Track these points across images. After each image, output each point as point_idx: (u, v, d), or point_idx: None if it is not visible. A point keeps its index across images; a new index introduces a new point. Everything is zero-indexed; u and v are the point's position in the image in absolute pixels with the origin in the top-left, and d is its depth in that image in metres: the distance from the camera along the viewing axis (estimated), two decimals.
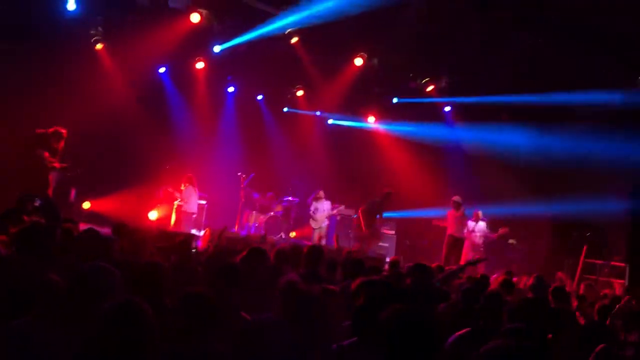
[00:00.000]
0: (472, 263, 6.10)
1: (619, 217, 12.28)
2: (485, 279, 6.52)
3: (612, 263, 11.83)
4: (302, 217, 13.51)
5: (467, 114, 14.00)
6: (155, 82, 13.05)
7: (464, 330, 3.67)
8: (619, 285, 10.52)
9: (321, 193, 12.86)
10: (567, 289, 7.74)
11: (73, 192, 10.99)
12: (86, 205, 11.38)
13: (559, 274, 11.11)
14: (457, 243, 11.64)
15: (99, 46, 11.78)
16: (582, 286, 8.51)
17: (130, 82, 12.05)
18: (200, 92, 13.58)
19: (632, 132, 11.26)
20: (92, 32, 11.62)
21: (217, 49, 12.14)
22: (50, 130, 8.81)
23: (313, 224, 12.72)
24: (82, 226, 8.52)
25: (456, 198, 11.73)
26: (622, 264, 11.56)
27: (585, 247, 11.86)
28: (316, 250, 5.40)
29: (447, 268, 7.24)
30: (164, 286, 3.71)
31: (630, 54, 10.35)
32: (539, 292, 6.19)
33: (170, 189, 11.73)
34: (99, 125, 10.82)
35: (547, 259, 12.62)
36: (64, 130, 8.86)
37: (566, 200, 12.57)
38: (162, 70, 13.06)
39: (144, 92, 12.42)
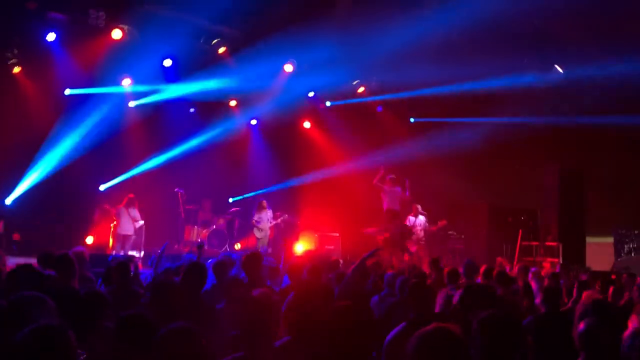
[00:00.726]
0: (370, 255, 6.13)
1: (550, 200, 12.94)
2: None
3: (547, 244, 12.40)
4: (245, 227, 13.39)
5: (399, 111, 14.39)
6: (78, 102, 12.57)
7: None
8: (548, 264, 11.02)
9: (264, 203, 12.82)
10: (508, 272, 8.05)
11: (1, 224, 10.47)
12: (16, 236, 10.83)
13: (499, 259, 11.55)
14: (396, 216, 11.76)
15: (16, 69, 11.28)
16: (515, 269, 8.85)
17: (51, 103, 11.56)
18: (129, 110, 13.18)
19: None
20: (7, 54, 11.12)
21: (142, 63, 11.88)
22: None
23: (257, 233, 12.65)
24: (13, 259, 8.25)
25: (392, 176, 11.91)
26: (555, 243, 12.13)
27: (520, 231, 12.41)
28: (255, 256, 5.38)
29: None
30: (105, 312, 3.68)
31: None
32: (469, 277, 6.39)
33: (105, 206, 11.34)
34: (22, 152, 10.35)
35: (486, 245, 13.07)
36: None
37: (499, 186, 13.17)
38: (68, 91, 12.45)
39: (66, 114, 11.93)
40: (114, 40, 10.93)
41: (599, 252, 12.60)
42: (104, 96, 12.44)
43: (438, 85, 12.34)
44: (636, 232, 12.33)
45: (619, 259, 12.11)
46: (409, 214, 12.28)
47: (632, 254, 12.07)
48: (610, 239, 12.78)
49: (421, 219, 12.28)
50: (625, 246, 12.36)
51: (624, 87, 10.59)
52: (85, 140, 11.93)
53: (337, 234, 13.87)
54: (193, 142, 13.58)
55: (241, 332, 2.92)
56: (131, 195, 11.46)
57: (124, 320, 2.75)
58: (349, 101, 14.18)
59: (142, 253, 11.04)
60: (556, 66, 11.95)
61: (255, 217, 12.56)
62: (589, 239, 12.77)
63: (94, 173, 12.08)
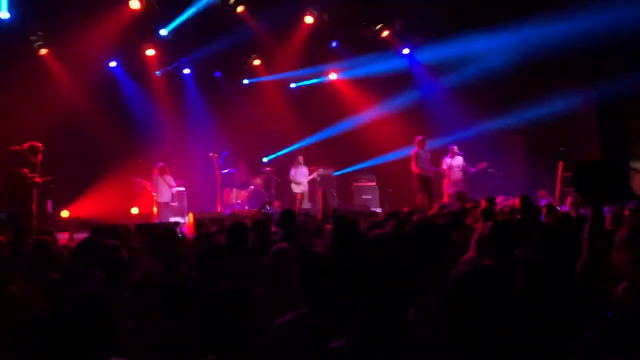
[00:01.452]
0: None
1: (589, 127, 12.53)
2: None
3: None
4: (283, 184, 13.54)
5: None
6: (109, 78, 12.76)
7: None
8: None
9: (300, 158, 12.88)
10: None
11: (49, 204, 10.86)
12: (65, 213, 11.25)
13: (541, 192, 11.37)
14: (427, 182, 11.71)
15: (43, 51, 11.45)
16: (568, 199, 8.66)
17: (82, 82, 11.76)
18: (156, 79, 13.34)
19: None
20: (32, 37, 11.27)
21: (163, 32, 11.87)
22: (25, 145, 8.62)
23: (295, 189, 12.77)
24: (64, 235, 8.61)
25: (420, 137, 11.76)
26: None
27: (561, 163, 12.11)
28: (288, 212, 5.47)
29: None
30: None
31: None
32: (527, 213, 6.33)
33: (139, 180, 11.64)
34: (58, 132, 10.62)
35: (526, 179, 12.84)
36: (39, 145, 8.68)
37: (536, 116, 12.72)
38: (113, 64, 12.75)
39: (98, 89, 12.16)
40: (133, 10, 10.90)
41: None
42: (130, 67, 12.59)
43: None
44: None
45: None
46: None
47: None
48: None
49: (458, 159, 12.11)
50: None
51: None
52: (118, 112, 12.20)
53: (374, 184, 13.88)
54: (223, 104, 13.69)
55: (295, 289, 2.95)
56: (161, 164, 11.72)
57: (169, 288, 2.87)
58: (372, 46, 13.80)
59: (187, 218, 11.35)
60: None
61: (292, 173, 12.67)
62: (634, 165, 12.35)
63: (130, 143, 12.34)
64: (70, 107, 11.38)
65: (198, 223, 8.05)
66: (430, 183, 11.73)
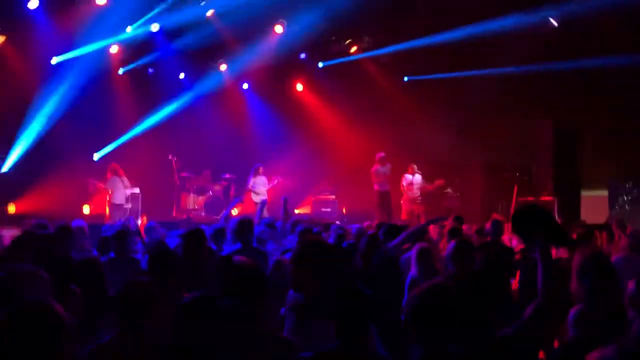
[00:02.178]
0: (433, 221, 6.15)
1: (544, 155, 12.96)
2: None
3: (542, 198, 12.45)
4: (242, 193, 13.38)
5: (393, 70, 14.25)
6: (66, 72, 12.37)
7: None
8: None
9: (260, 168, 12.77)
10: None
11: None
12: (11, 208, 10.80)
13: (495, 215, 11.61)
14: (386, 198, 11.85)
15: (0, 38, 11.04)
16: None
17: (38, 74, 11.36)
18: (118, 77, 13.03)
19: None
20: None
21: (129, 29, 11.64)
22: None
23: (255, 198, 12.62)
24: (10, 230, 8.22)
25: (381, 154, 11.92)
26: (550, 198, 12.19)
27: (515, 187, 12.46)
28: (246, 221, 5.37)
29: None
30: (104, 278, 3.73)
31: None
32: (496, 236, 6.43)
33: (92, 181, 11.28)
34: (11, 122, 10.22)
35: (482, 202, 13.14)
36: None
37: (494, 143, 13.16)
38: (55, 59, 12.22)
39: (54, 84, 11.75)
40: (98, 5, 10.65)
41: (594, 205, 12.71)
42: (91, 63, 12.24)
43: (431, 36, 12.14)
44: (629, 184, 12.40)
45: (613, 211, 12.21)
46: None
47: (626, 206, 12.18)
48: (605, 192, 12.87)
49: (417, 177, 12.30)
50: (620, 198, 12.46)
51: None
52: (74, 109, 11.80)
53: (334, 197, 13.91)
54: (185, 108, 13.48)
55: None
56: (114, 165, 11.40)
57: (124, 288, 2.76)
58: (342, 60, 13.94)
59: (140, 221, 11.05)
60: (550, 19, 11.78)
61: (251, 182, 12.53)
62: (584, 193, 12.84)
63: (87, 142, 11.99)
64: (24, 99, 10.98)
65: (150, 227, 7.83)
66: (389, 200, 11.87)
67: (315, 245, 3.32)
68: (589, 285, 3.08)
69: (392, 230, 5.32)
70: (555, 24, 11.77)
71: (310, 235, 5.56)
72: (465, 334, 1.82)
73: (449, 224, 6.93)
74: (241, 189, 13.32)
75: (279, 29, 12.47)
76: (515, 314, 2.29)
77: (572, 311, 3.01)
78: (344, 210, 14.19)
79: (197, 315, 2.30)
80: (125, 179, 11.39)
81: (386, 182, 11.85)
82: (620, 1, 10.14)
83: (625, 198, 12.37)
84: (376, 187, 11.79)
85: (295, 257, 3.14)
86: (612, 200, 12.59)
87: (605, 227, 9.07)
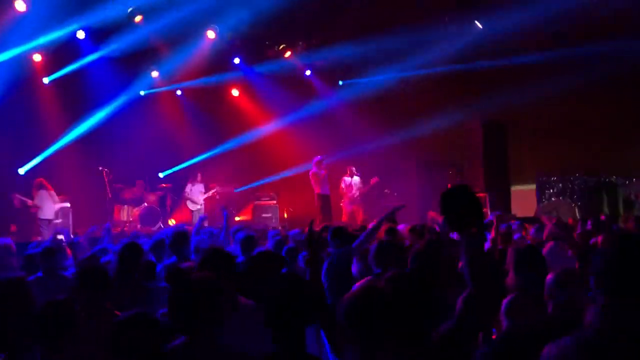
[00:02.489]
0: (388, 216, 6.09)
1: (474, 153, 13.44)
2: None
3: None
4: (178, 202, 13.09)
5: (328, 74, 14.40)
6: None
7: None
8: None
9: (198, 175, 12.55)
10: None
11: None
12: None
13: (431, 213, 11.92)
14: (327, 201, 11.93)
15: None
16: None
17: None
18: (43, 87, 12.42)
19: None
20: None
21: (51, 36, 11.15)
22: None
23: (191, 206, 12.40)
24: None
25: (318, 158, 11.96)
26: (482, 194, 12.65)
27: (449, 185, 12.85)
28: (181, 232, 5.22)
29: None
30: (29, 297, 3.53)
31: None
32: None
33: (18, 196, 10.70)
34: None
35: (418, 200, 13.46)
36: None
37: (426, 142, 13.54)
38: None
39: None
40: (18, 11, 10.13)
41: (523, 199, 13.29)
42: (11, 72, 11.62)
43: (363, 44, 12.35)
44: (555, 178, 13.05)
45: (541, 205, 12.82)
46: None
47: (553, 199, 12.80)
48: (533, 186, 13.48)
49: (356, 179, 12.43)
50: (547, 192, 13.08)
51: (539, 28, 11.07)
52: None
53: (275, 202, 13.84)
54: (115, 116, 13.03)
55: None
56: (40, 179, 10.88)
57: (47, 306, 2.63)
58: (276, 64, 13.92)
59: (72, 236, 10.57)
60: (476, 22, 12.24)
61: (187, 190, 12.29)
62: (514, 188, 13.40)
63: (11, 155, 11.36)
64: None
65: (75, 242, 7.50)
66: (329, 202, 11.92)
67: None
68: (523, 276, 3.23)
69: (339, 232, 5.34)
70: (480, 26, 12.25)
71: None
72: (399, 335, 1.84)
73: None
74: (177, 198, 13.03)
75: (211, 34, 12.30)
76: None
77: (505, 301, 3.13)
78: (285, 215, 14.15)
79: (133, 331, 2.21)
80: (53, 193, 10.87)
81: (326, 185, 11.88)
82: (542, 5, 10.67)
83: (552, 191, 13.01)
84: (317, 190, 11.79)
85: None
86: (540, 193, 13.20)
87: (534, 219, 9.52)
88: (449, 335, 1.99)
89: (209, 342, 2.36)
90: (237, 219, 13.59)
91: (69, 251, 6.03)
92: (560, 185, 12.93)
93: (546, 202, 12.74)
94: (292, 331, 2.10)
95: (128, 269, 4.44)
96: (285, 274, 2.55)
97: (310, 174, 11.86)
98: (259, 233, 7.15)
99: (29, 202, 10.71)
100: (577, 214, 11.59)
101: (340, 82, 15.14)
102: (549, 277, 3.00)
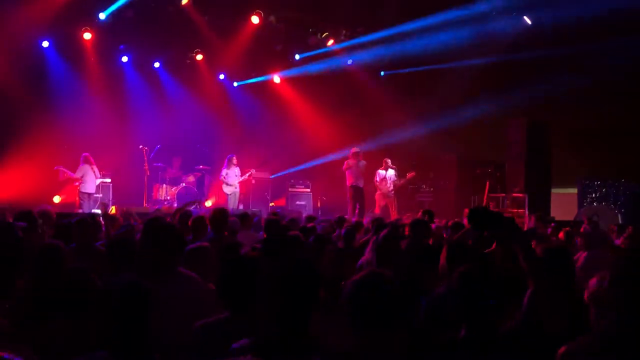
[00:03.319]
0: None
1: (516, 152, 13.11)
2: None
3: (513, 195, 12.62)
4: (216, 185, 13.29)
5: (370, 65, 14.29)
6: (39, 58, 12.12)
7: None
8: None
9: (234, 159, 12.67)
10: None
11: None
12: None
13: (467, 211, 11.74)
14: (359, 193, 11.85)
15: None
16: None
17: (8, 58, 11.09)
18: (91, 64, 12.80)
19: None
20: None
21: (102, 15, 11.44)
22: None
23: (226, 189, 12.54)
24: None
25: (355, 149, 11.87)
26: (522, 195, 12.37)
27: (488, 183, 12.61)
28: (219, 211, 5.34)
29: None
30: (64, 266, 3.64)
31: None
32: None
33: (62, 169, 11.07)
34: None
35: (454, 197, 13.26)
36: None
37: (468, 138, 13.30)
38: (45, 44, 12.12)
39: (26, 68, 11.50)
40: None
41: (564, 202, 12.91)
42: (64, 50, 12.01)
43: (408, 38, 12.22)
44: (599, 182, 12.61)
45: (581, 209, 12.42)
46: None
47: (594, 204, 12.38)
48: (575, 190, 13.07)
49: (390, 172, 12.28)
50: (588, 196, 12.65)
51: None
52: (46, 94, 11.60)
53: (309, 190, 13.89)
54: (159, 98, 13.32)
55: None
56: (86, 153, 11.22)
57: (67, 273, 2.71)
58: (317, 51, 13.91)
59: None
60: (525, 17, 11.92)
61: (223, 173, 12.42)
62: (554, 190, 13.03)
63: (56, 129, 11.76)
64: None
65: (121, 216, 7.71)
66: (362, 194, 11.83)
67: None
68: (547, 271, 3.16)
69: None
70: (529, 22, 11.92)
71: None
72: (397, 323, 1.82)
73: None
74: (215, 180, 13.24)
75: (255, 19, 12.37)
76: None
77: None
78: (318, 204, 14.19)
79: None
80: (96, 168, 11.21)
81: (359, 177, 11.78)
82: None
83: (594, 195, 12.58)
84: (349, 182, 11.74)
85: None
86: (581, 197, 12.80)
87: (574, 224, 9.25)
88: (515, 330, 2.00)
89: (248, 318, 2.50)
90: (271, 204, 13.73)
91: (103, 224, 6.23)
92: (604, 190, 12.48)
93: (587, 206, 12.33)
94: (298, 314, 2.11)
95: (151, 243, 4.51)
96: (297, 258, 2.55)
97: (344, 165, 11.81)
98: (291, 217, 7.23)
99: (72, 175, 11.06)
100: (620, 221, 11.18)
101: (382, 73, 15.01)
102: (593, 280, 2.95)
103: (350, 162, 11.71)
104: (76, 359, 2.03)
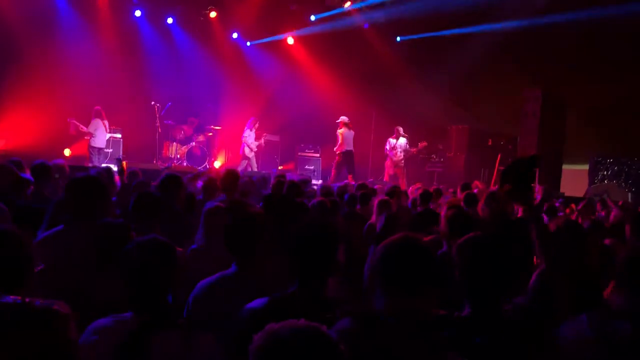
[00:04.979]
0: None
1: (530, 125, 12.97)
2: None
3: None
4: (226, 145, 13.26)
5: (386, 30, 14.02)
6: (50, 10, 11.95)
7: None
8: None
9: (257, 124, 12.51)
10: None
11: None
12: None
13: (476, 182, 11.70)
14: (352, 157, 11.82)
15: None
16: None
17: (17, 8, 10.95)
18: (104, 17, 12.63)
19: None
20: None
21: None
22: None
23: (247, 152, 12.40)
24: None
25: (345, 118, 11.78)
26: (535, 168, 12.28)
27: (499, 155, 12.51)
28: (231, 173, 5.38)
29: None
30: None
31: None
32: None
33: (74, 122, 11.03)
34: None
35: (465, 168, 13.19)
36: None
37: (481, 110, 13.12)
38: None
39: (35, 18, 11.35)
40: None
41: (574, 178, 12.84)
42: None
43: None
44: (611, 160, 12.50)
45: (591, 186, 12.36)
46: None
47: (605, 181, 12.30)
48: (586, 167, 12.98)
49: (402, 141, 12.21)
50: (600, 174, 12.57)
51: None
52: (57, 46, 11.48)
53: (318, 155, 13.84)
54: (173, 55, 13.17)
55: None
56: (99, 107, 11.16)
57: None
58: (333, 12, 13.63)
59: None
60: None
61: (245, 134, 12.30)
62: (565, 166, 12.94)
63: (67, 81, 11.68)
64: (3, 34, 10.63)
65: (130, 172, 7.73)
66: (352, 159, 11.82)
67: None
68: (557, 249, 3.15)
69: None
70: None
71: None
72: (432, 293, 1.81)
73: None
74: (225, 141, 13.18)
75: None
76: None
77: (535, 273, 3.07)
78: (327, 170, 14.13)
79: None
80: (106, 122, 11.18)
81: (351, 143, 11.75)
82: None
83: (605, 173, 12.49)
84: (341, 148, 11.76)
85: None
86: (592, 175, 12.72)
87: (583, 200, 9.21)
88: (523, 308, 1.99)
89: (256, 273, 2.57)
90: (279, 167, 13.71)
91: (117, 179, 6.25)
92: (616, 167, 12.38)
93: (598, 183, 12.26)
94: (317, 276, 2.12)
95: (168, 199, 4.53)
96: (315, 221, 2.54)
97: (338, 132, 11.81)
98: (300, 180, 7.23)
99: (84, 129, 11.04)
100: (629, 200, 11.12)
101: (399, 39, 14.74)
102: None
103: (344, 130, 11.68)
104: (102, 320, 2.03)
